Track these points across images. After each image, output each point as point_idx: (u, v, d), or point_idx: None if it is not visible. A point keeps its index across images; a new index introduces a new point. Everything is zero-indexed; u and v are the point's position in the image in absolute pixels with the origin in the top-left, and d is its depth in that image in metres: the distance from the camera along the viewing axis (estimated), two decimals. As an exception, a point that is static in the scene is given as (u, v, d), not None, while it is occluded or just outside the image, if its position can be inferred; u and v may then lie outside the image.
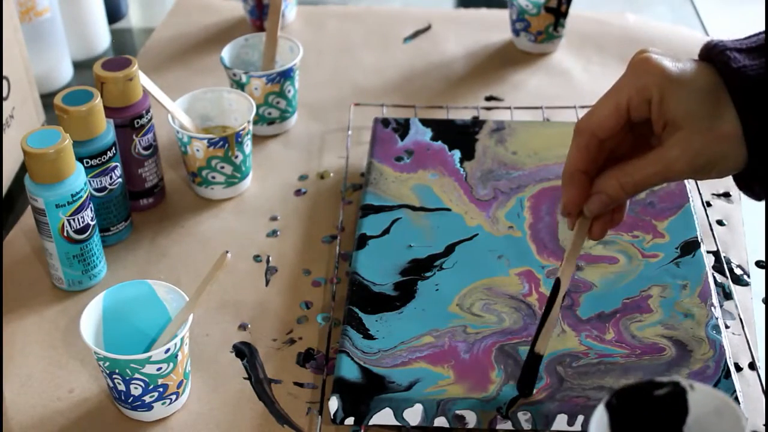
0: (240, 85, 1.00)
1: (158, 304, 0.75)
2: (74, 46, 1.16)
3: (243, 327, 0.82)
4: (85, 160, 0.83)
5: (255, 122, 1.02)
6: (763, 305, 0.83)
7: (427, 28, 1.22)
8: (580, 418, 0.70)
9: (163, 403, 0.73)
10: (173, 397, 0.73)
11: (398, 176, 0.92)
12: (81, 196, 0.80)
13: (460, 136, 0.97)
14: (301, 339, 0.81)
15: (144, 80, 0.88)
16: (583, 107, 1.04)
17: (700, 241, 0.84)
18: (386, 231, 0.86)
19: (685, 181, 0.91)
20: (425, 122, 0.99)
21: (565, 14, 1.12)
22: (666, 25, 1.21)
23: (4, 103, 0.94)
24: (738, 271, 0.85)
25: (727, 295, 0.82)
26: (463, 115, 1.05)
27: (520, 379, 0.72)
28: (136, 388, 0.71)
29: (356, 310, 0.79)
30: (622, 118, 0.64)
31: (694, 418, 0.56)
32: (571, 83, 1.11)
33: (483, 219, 0.87)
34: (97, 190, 0.86)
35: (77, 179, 0.79)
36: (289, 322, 0.82)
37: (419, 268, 0.83)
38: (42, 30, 1.08)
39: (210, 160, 0.92)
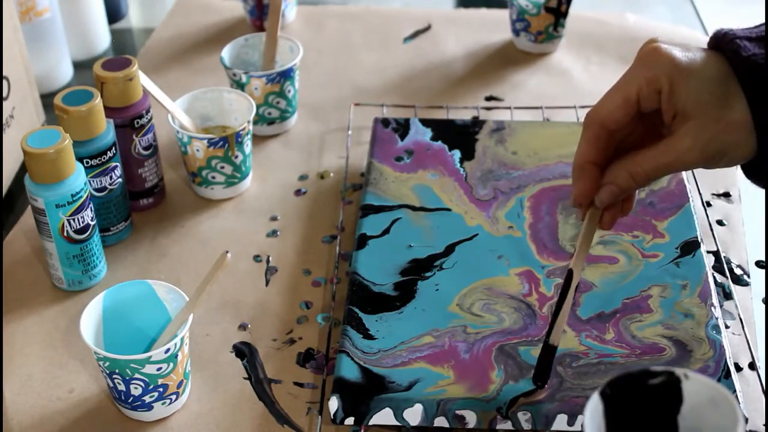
0: (240, 85, 1.00)
1: (158, 304, 0.75)
2: (74, 46, 1.16)
3: (243, 327, 0.82)
4: (85, 160, 0.83)
5: (255, 122, 1.02)
6: (763, 305, 0.83)
7: (427, 28, 1.22)
8: (580, 418, 0.70)
9: (163, 403, 0.73)
10: (173, 397, 0.73)
11: (398, 176, 0.92)
12: (81, 196, 0.80)
13: (460, 136, 0.97)
14: (301, 339, 0.81)
15: (144, 80, 0.88)
16: (583, 107, 1.04)
17: (700, 241, 0.84)
18: (386, 231, 0.86)
19: (685, 181, 0.91)
20: (425, 122, 0.99)
21: (565, 14, 1.12)
22: (666, 25, 1.21)
23: (4, 103, 0.94)
24: (738, 271, 0.85)
25: (727, 295, 0.82)
26: (463, 115, 1.05)
27: (536, 370, 0.72)
28: (136, 388, 0.71)
29: (356, 310, 0.79)
30: (632, 108, 0.64)
31: (688, 408, 0.56)
32: (571, 83, 1.11)
33: (483, 219, 0.87)
34: (97, 190, 0.86)
35: (77, 179, 0.79)
36: (289, 322, 0.82)
37: (419, 268, 0.83)
38: (42, 30, 1.08)
39: (210, 160, 0.92)
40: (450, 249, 0.84)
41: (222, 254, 0.71)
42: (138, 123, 0.88)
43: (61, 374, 0.78)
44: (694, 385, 0.55)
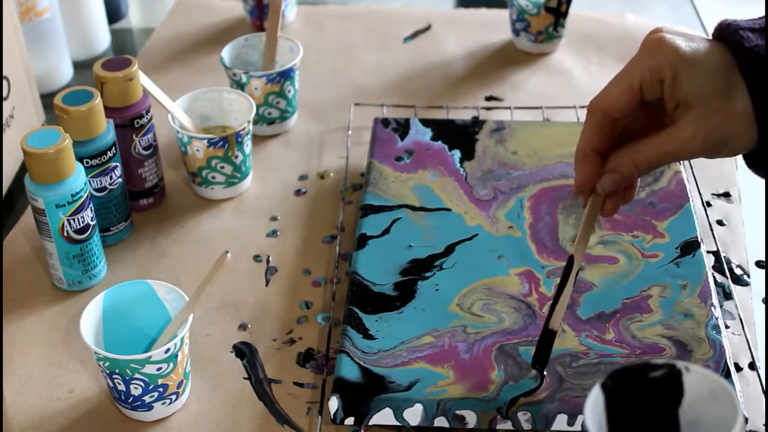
0: (240, 85, 1.00)
1: (158, 304, 0.75)
2: (74, 46, 1.16)
3: (243, 327, 0.82)
4: (85, 160, 0.83)
5: (255, 122, 1.02)
6: (763, 305, 0.83)
7: (427, 28, 1.22)
8: (580, 418, 0.70)
9: (163, 403, 0.73)
10: (173, 397, 0.73)
11: (398, 176, 0.92)
12: (81, 196, 0.80)
13: (460, 136, 0.97)
14: (301, 339, 0.81)
15: (144, 80, 0.88)
16: (583, 107, 1.04)
17: (700, 241, 0.84)
18: (386, 231, 0.86)
19: (685, 181, 0.91)
20: (425, 122, 0.99)
21: (565, 14, 1.12)
22: (666, 25, 1.21)
23: (4, 103, 0.94)
24: (738, 271, 0.85)
25: (727, 295, 0.82)
26: (463, 115, 1.05)
27: (535, 354, 0.73)
28: (136, 388, 0.71)
29: (356, 310, 0.79)
30: (635, 97, 0.64)
31: (689, 401, 0.56)
32: (571, 83, 1.11)
33: (483, 219, 0.87)
34: (97, 190, 0.86)
35: (77, 179, 0.79)
36: (289, 322, 0.82)
37: (419, 268, 0.83)
38: (42, 30, 1.08)
39: (210, 160, 0.92)
40: (450, 249, 0.84)
41: (222, 254, 0.71)
42: (138, 123, 0.88)
43: (61, 374, 0.78)
44: (695, 378, 0.55)
